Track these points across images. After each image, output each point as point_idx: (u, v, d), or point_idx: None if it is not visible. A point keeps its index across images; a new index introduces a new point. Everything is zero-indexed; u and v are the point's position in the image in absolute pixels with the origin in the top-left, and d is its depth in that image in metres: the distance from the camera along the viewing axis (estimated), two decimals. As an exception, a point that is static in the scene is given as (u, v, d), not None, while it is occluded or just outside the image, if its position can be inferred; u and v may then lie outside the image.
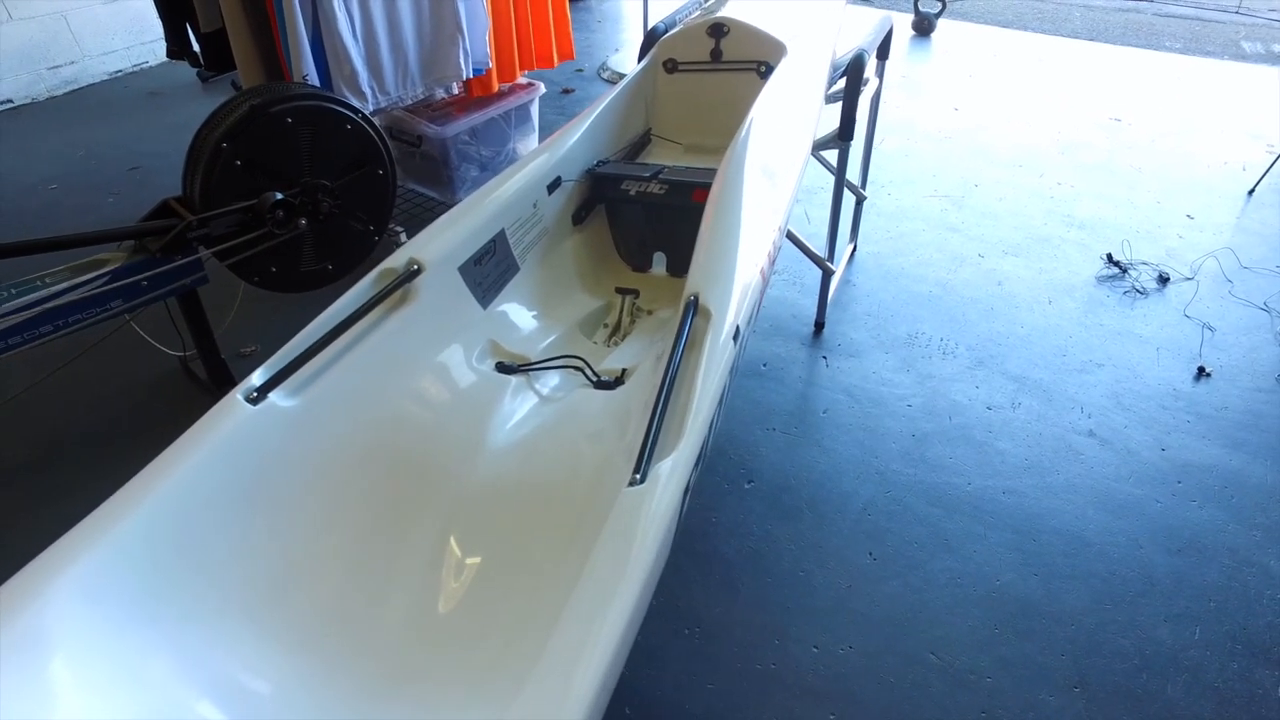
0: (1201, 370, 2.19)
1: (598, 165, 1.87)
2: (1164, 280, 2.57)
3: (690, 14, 2.31)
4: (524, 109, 2.89)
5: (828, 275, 2.27)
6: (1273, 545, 1.71)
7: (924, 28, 4.96)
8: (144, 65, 4.42)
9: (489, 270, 1.48)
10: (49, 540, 1.75)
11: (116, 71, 4.32)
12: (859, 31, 2.27)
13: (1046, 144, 3.55)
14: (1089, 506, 1.80)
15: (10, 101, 3.92)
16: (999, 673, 1.47)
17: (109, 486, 1.93)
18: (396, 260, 1.30)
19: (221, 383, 2.09)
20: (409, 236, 2.61)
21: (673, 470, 0.93)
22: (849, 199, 2.53)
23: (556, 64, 2.94)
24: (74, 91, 4.13)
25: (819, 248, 2.31)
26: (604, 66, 4.36)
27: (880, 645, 1.52)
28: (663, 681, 1.46)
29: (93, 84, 4.22)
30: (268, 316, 2.37)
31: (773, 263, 1.51)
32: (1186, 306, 2.45)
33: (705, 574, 1.65)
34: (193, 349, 2.06)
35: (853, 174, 2.54)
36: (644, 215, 1.87)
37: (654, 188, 1.77)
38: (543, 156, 1.65)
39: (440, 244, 1.35)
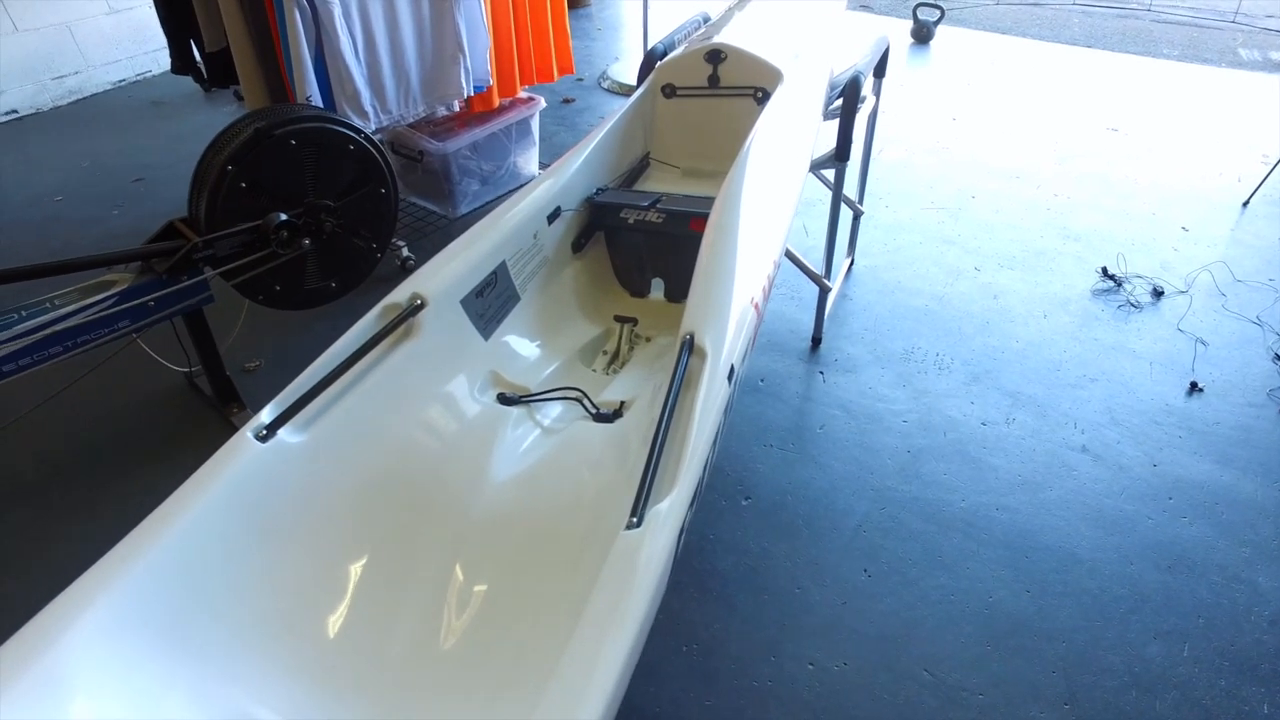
0: (1194, 385, 2.21)
1: (597, 193, 1.90)
2: (1158, 294, 2.59)
3: (689, 33, 2.34)
4: (524, 123, 2.92)
5: (824, 292, 2.30)
6: (1261, 562, 1.74)
7: (923, 35, 4.98)
8: (147, 74, 4.45)
9: (490, 301, 1.51)
10: (62, 554, 1.80)
11: (120, 81, 4.35)
12: (858, 44, 2.29)
13: (1044, 154, 3.57)
14: (1081, 523, 1.83)
15: (15, 112, 3.95)
16: (991, 689, 1.50)
17: (118, 501, 1.98)
18: (400, 295, 1.33)
19: (227, 398, 2.12)
20: (410, 250, 2.68)
21: (669, 513, 0.96)
22: (846, 214, 2.56)
23: (556, 78, 2.97)
24: (78, 101, 4.16)
25: (816, 261, 2.34)
26: (604, 76, 4.38)
27: (874, 662, 1.55)
28: (660, 698, 1.49)
29: (96, 93, 4.25)
30: (271, 331, 2.41)
31: (768, 296, 1.54)
32: (1180, 321, 2.48)
33: (703, 591, 1.68)
34: (198, 365, 2.09)
35: (850, 189, 2.57)
36: (642, 242, 1.90)
37: (652, 216, 1.80)
38: (543, 186, 1.68)
39: (442, 278, 1.38)
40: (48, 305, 1.70)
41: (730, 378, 1.21)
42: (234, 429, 2.04)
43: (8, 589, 1.70)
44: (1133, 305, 2.55)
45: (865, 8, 5.81)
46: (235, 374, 2.16)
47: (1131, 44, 5.20)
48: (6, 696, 0.76)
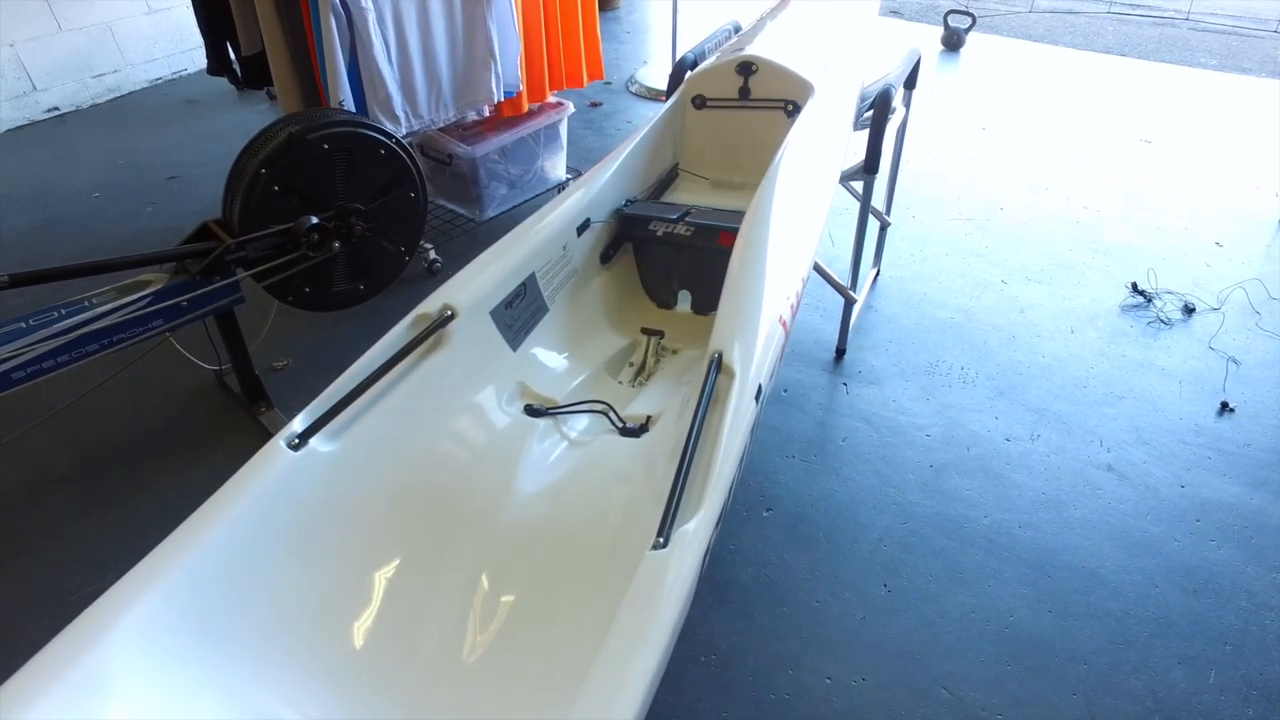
0: (1225, 405, 2.18)
1: (626, 205, 1.91)
2: (1189, 310, 2.55)
3: (719, 43, 2.34)
4: (553, 128, 2.93)
5: (850, 303, 2.29)
6: (1291, 589, 1.71)
7: (954, 43, 4.94)
8: (182, 73, 4.53)
9: (519, 313, 1.53)
10: (97, 545, 1.84)
11: (156, 79, 4.43)
12: (889, 54, 2.28)
13: (1074, 165, 3.53)
14: (1105, 543, 1.81)
15: (57, 109, 4.04)
16: (1010, 710, 1.49)
17: (148, 494, 2.01)
18: (430, 306, 1.34)
19: (255, 396, 2.16)
20: (437, 253, 2.71)
21: (695, 534, 0.97)
22: (873, 224, 2.54)
23: (586, 84, 2.98)
24: (116, 99, 4.25)
25: (842, 271, 2.33)
26: (632, 80, 4.39)
27: (892, 678, 1.55)
28: (678, 708, 1.49)
29: (134, 91, 4.34)
30: (299, 331, 2.44)
31: (796, 312, 1.53)
32: (1212, 339, 2.44)
33: (722, 601, 1.68)
34: (228, 363, 2.12)
35: (878, 199, 2.55)
36: (671, 255, 1.91)
37: (681, 229, 1.81)
38: (574, 198, 1.69)
39: (473, 289, 1.40)
40: (85, 304, 1.74)
41: (757, 397, 1.22)
42: (262, 427, 2.10)
43: (40, 578, 1.74)
44: (1163, 322, 2.52)
45: (896, 14, 5.77)
46: (264, 373, 2.20)
47: (1167, 53, 5.11)
48: (50, 695, 0.79)
